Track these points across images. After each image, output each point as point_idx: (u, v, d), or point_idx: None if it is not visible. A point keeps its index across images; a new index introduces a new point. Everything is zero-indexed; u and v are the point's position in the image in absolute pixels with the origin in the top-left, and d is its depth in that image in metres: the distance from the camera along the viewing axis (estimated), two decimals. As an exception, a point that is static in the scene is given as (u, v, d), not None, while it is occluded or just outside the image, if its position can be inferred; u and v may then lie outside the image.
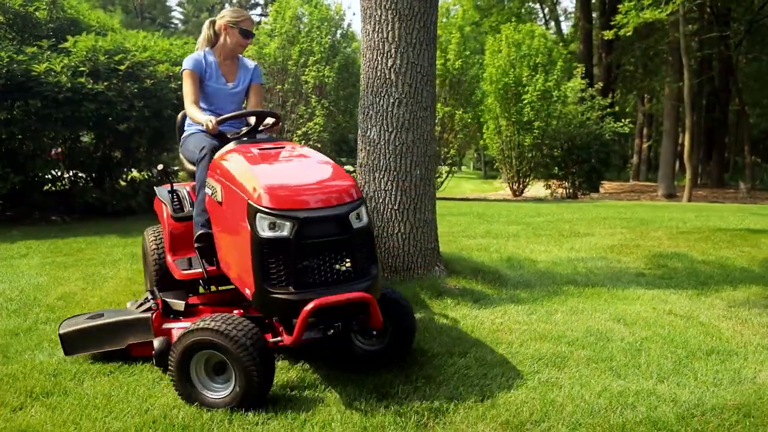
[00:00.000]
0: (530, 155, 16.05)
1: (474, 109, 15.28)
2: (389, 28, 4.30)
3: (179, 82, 9.12)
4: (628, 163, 34.02)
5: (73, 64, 8.16)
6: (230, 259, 2.82)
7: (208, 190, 3.08)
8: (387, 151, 4.40)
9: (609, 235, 7.38)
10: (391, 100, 4.36)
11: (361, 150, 4.56)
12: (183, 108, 3.63)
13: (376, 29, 4.36)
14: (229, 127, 3.50)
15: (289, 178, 2.71)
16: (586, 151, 16.30)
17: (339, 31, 13.97)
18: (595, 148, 16.34)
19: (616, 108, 19.68)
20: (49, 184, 9.52)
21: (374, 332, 2.93)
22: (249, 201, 2.54)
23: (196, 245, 3.10)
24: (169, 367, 2.53)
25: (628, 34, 16.95)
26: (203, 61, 3.61)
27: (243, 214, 2.56)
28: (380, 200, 4.43)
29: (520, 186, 16.87)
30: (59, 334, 3.07)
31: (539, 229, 7.87)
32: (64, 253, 6.23)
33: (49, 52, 8.24)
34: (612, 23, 16.81)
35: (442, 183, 15.91)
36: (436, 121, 14.59)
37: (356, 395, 2.66)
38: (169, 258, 3.49)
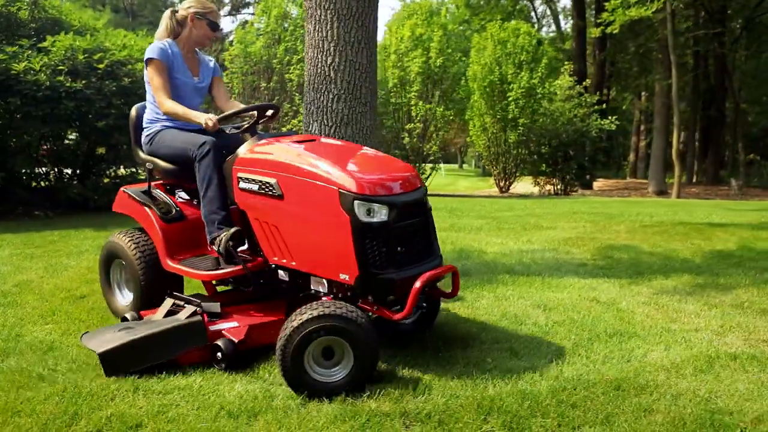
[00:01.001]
0: (516, 152, 16.19)
1: (456, 106, 15.44)
2: (328, 28, 4.49)
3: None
4: (625, 160, 34.10)
5: (52, 63, 8.38)
6: (302, 249, 2.85)
7: (245, 185, 3.00)
8: (327, 145, 4.57)
9: (571, 228, 7.55)
10: (331, 96, 4.54)
11: (305, 144, 4.73)
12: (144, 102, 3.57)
13: (317, 28, 4.54)
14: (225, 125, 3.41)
15: (370, 167, 2.95)
16: (572, 148, 16.44)
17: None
18: (582, 144, 16.48)
19: (605, 105, 19.75)
20: (33, 181, 9.75)
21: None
22: (341, 190, 2.67)
23: (224, 243, 3.02)
24: (282, 359, 2.53)
25: (614, 31, 17.11)
26: (169, 52, 3.43)
27: (331, 203, 2.69)
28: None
29: (507, 183, 17.02)
30: (99, 354, 2.71)
31: (505, 222, 8.04)
32: (36, 245, 6.44)
33: (30, 52, 8.47)
34: (599, 21, 16.91)
35: (426, 179, 16.09)
36: (418, 118, 14.89)
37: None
38: (170, 263, 3.26)
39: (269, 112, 3.30)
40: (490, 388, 2.65)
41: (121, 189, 3.66)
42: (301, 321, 2.53)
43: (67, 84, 8.30)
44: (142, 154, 3.59)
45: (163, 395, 2.57)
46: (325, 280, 2.90)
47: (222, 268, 3.13)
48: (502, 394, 2.56)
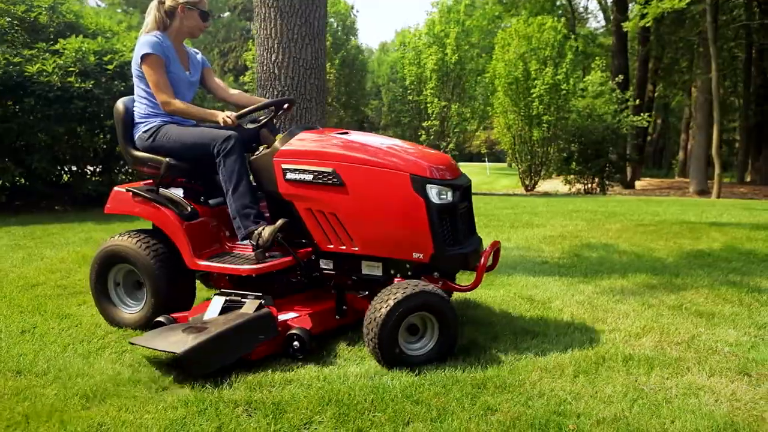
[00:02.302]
0: (541, 150, 15.85)
1: (472, 103, 15.25)
2: (272, 25, 4.56)
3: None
4: (674, 159, 32.78)
5: (65, 64, 8.80)
6: (368, 233, 3.00)
7: (294, 176, 3.03)
8: (273, 140, 4.64)
9: (560, 226, 7.37)
10: (275, 93, 4.61)
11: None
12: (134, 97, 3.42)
13: (262, 26, 4.62)
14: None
15: (422, 155, 3.11)
16: (603, 146, 15.96)
17: (341, 28, 14.24)
18: (613, 142, 15.97)
19: (637, 101, 19.01)
20: (53, 177, 10.25)
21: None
22: (412, 175, 2.89)
23: (270, 235, 3.01)
24: (376, 340, 2.69)
25: (648, 24, 16.46)
26: (164, 45, 3.30)
27: (403, 188, 2.89)
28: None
29: (532, 181, 16.68)
30: (182, 354, 2.60)
31: (497, 221, 7.92)
32: (35, 237, 6.79)
33: (48, 54, 8.92)
34: (629, 14, 16.34)
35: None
36: (433, 115, 14.78)
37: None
38: (198, 261, 3.17)
39: (284, 106, 3.41)
40: (348, 383, 2.64)
41: (116, 189, 3.47)
42: (397, 300, 2.70)
43: (77, 84, 8.70)
44: (135, 152, 3.39)
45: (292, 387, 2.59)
46: (379, 264, 3.06)
47: (269, 261, 3.06)
48: (355, 388, 2.55)
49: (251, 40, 15.48)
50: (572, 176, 17.08)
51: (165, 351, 2.74)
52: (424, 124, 14.70)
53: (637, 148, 19.18)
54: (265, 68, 4.63)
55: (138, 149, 3.40)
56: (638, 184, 22.42)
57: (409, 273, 3.04)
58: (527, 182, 16.79)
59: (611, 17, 23.82)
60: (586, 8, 31.01)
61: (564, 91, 15.23)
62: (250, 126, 3.37)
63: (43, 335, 3.29)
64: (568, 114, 15.75)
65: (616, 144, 16.52)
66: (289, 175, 3.06)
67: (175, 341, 2.72)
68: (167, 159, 3.24)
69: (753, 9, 22.59)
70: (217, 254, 3.27)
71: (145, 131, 3.36)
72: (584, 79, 16.99)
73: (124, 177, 10.84)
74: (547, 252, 5.72)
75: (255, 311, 2.90)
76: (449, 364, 2.83)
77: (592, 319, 3.61)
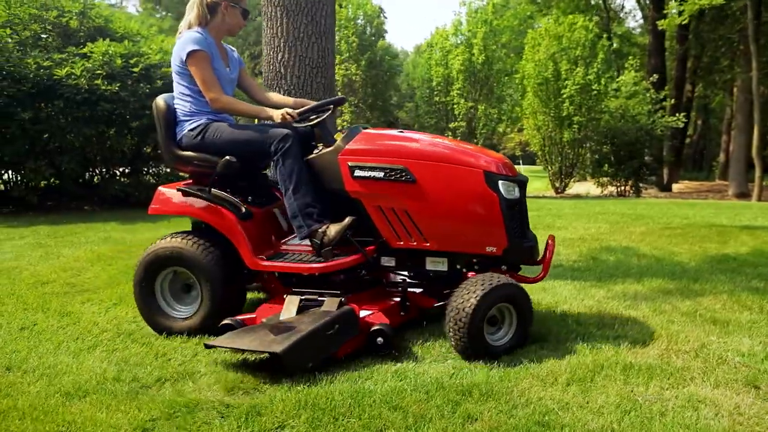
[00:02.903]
0: (571, 152, 15.51)
1: (500, 104, 15.01)
2: (278, 24, 4.53)
3: (192, 82, 9.85)
4: (715, 161, 31.72)
5: (92, 67, 8.99)
6: (440, 229, 3.06)
7: (363, 173, 3.04)
8: (279, 140, 4.61)
9: (582, 229, 7.17)
10: (282, 92, 4.58)
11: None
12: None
13: (269, 25, 4.60)
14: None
15: (488, 153, 3.24)
16: (635, 147, 15.53)
17: (370, 29, 14.22)
18: (646, 143, 15.53)
19: (673, 101, 18.44)
20: (82, 178, 10.50)
21: None
22: (486, 171, 3.01)
23: (337, 234, 3.03)
24: (464, 331, 2.77)
25: (685, 22, 15.97)
26: (207, 41, 3.26)
27: (477, 184, 2.99)
28: (274, 187, 4.66)
29: (563, 183, 16.34)
30: (282, 353, 2.55)
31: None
32: (58, 236, 6.93)
33: (77, 58, 9.13)
34: (664, 11, 15.88)
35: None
36: (459, 116, 14.60)
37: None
38: (261, 262, 3.15)
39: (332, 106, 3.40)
40: (329, 386, 2.58)
41: (162, 188, 3.34)
42: (485, 291, 2.78)
43: (104, 87, 8.88)
44: (179, 150, 3.29)
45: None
46: (444, 259, 3.13)
47: (338, 258, 3.07)
48: (335, 392, 2.48)
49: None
50: (605, 178, 16.67)
51: (260, 351, 2.68)
52: (451, 125, 14.57)
53: (673, 149, 18.62)
54: (271, 67, 4.61)
55: (182, 148, 3.30)
56: (675, 186, 21.74)
57: (476, 267, 3.14)
58: (557, 184, 16.45)
59: (648, 15, 23.22)
60: (622, 7, 30.20)
61: (595, 92, 14.87)
62: (300, 125, 3.29)
63: (41, 333, 3.32)
64: (600, 115, 15.37)
65: (651, 145, 16.05)
66: (358, 173, 3.07)
67: (268, 341, 2.66)
68: (228, 157, 3.12)
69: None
70: (277, 254, 3.27)
71: (191, 129, 3.26)
72: (617, 79, 16.56)
73: (150, 179, 11.05)
74: (563, 255, 5.55)
75: (338, 309, 2.88)
76: (437, 369, 2.74)
77: (598, 324, 3.46)
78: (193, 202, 3.24)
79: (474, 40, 14.26)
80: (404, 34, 78.23)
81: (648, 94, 16.08)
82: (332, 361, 2.82)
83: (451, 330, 2.84)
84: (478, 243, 3.06)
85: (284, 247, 3.38)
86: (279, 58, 4.55)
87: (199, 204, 3.22)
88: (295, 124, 3.25)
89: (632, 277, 4.62)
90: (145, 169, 10.90)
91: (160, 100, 3.36)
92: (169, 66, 9.44)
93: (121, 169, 10.90)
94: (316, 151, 3.23)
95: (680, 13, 16.06)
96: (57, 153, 9.55)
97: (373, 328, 2.88)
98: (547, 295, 4.13)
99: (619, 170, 16.17)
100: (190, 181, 3.42)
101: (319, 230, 3.08)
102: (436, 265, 3.15)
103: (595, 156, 15.98)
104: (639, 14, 31.24)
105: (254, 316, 3.07)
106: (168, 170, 11.18)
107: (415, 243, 3.09)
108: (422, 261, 3.17)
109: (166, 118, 3.32)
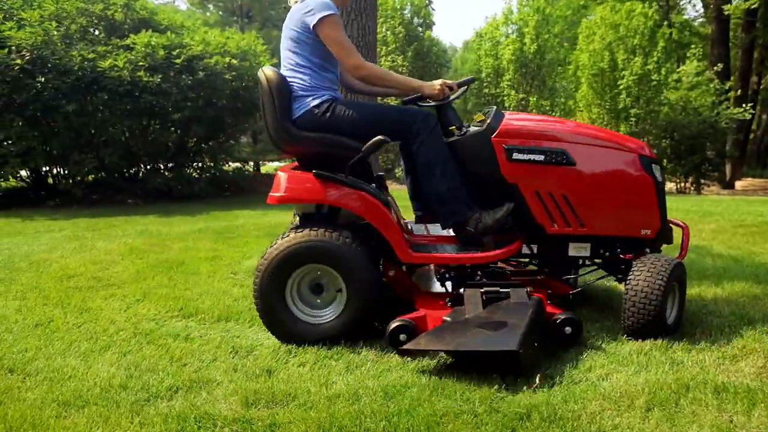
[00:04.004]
0: (628, 146, 14.67)
1: (552, 96, 14.31)
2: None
3: (233, 73, 9.70)
4: (782, 157, 29.85)
5: (135, 59, 8.91)
6: (598, 213, 2.99)
7: (522, 156, 2.88)
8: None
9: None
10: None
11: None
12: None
13: None
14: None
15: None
16: (696, 141, 14.57)
17: (417, 19, 13.81)
18: (709, 137, 14.54)
19: (738, 92, 17.28)
20: (126, 171, 10.49)
21: None
22: (640, 155, 3.02)
23: (498, 221, 2.85)
24: (654, 312, 2.77)
25: (753, 6, 14.88)
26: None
27: (633, 166, 2.99)
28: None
29: (618, 179, 15.49)
30: (518, 351, 2.31)
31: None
32: (96, 229, 6.82)
33: (120, 50, 9.08)
34: (732, -3, 14.84)
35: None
36: (510, 108, 13.95)
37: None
38: (414, 253, 2.91)
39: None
40: (359, 403, 2.21)
41: (286, 173, 2.86)
42: (668, 273, 2.79)
43: (146, 79, 8.79)
44: (297, 130, 2.87)
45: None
46: (588, 244, 3.06)
47: (504, 247, 2.92)
48: (366, 412, 2.11)
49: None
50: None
51: (482, 351, 2.42)
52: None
53: (737, 144, 17.43)
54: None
55: (300, 126, 2.88)
56: (739, 184, 20.43)
57: (619, 250, 3.09)
58: (612, 181, 15.61)
59: (711, 3, 21.95)
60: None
61: (655, 82, 14.01)
62: (436, 103, 3.05)
63: (55, 331, 3.07)
64: (659, 107, 14.48)
65: (715, 139, 15.02)
66: (516, 156, 2.90)
67: (484, 339, 2.43)
68: (381, 136, 2.78)
69: None
70: (421, 244, 3.03)
71: (317, 105, 2.87)
72: (678, 70, 15.59)
73: (193, 172, 10.96)
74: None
75: (529, 300, 2.72)
76: (485, 386, 2.34)
77: (676, 334, 2.97)
78: (331, 188, 2.81)
79: (525, 29, 13.63)
80: (453, 30, 77.11)
81: (712, 85, 15.06)
82: (356, 373, 2.47)
83: (629, 311, 2.80)
84: (634, 226, 3.03)
85: (415, 235, 3.20)
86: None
87: (341, 191, 2.81)
88: (432, 103, 3.05)
89: (708, 279, 4.08)
90: (188, 163, 10.80)
91: (270, 72, 2.90)
92: (211, 57, 9.45)
93: (164, 164, 10.87)
94: (460, 132, 2.97)
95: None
96: (101, 146, 9.55)
97: (560, 318, 2.74)
98: (612, 297, 3.66)
99: (679, 165, 15.20)
100: (295, 164, 3.11)
101: (473, 217, 2.87)
102: (579, 250, 3.06)
103: (654, 150, 15.10)
104: (699, 4, 29.66)
105: (422, 314, 2.73)
106: (212, 163, 11.09)
107: (571, 228, 2.98)
108: (566, 247, 3.06)
109: (280, 92, 2.87)
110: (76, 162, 9.27)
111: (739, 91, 16.80)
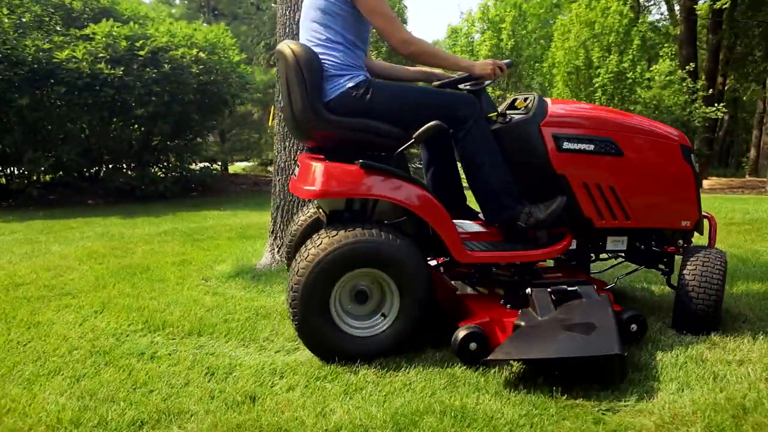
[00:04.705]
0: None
1: (530, 91, 14.16)
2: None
3: (201, 67, 9.20)
4: (745, 157, 30.51)
5: (95, 50, 8.35)
6: (644, 205, 2.87)
7: (572, 146, 2.71)
8: (296, 116, 3.88)
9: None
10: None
11: (275, 116, 4.09)
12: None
13: (286, 13, 3.86)
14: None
15: None
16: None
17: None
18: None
19: (710, 92, 17.45)
20: (85, 170, 9.89)
21: None
22: (681, 144, 2.91)
23: (550, 215, 2.63)
24: (714, 305, 2.72)
25: (725, 6, 15.01)
26: None
27: (675, 156, 2.88)
28: (290, 172, 3.93)
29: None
30: (623, 354, 2.16)
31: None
32: (52, 231, 6.28)
33: (79, 41, 8.50)
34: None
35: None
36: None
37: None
38: (472, 253, 2.62)
39: None
40: (377, 419, 1.83)
41: (323, 163, 2.44)
42: (724, 265, 2.78)
43: (107, 71, 8.24)
44: (330, 114, 2.50)
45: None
46: (624, 237, 2.94)
47: (559, 242, 2.72)
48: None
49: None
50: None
51: (580, 357, 2.18)
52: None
53: (706, 142, 17.59)
54: (287, 30, 3.88)
55: (333, 110, 2.51)
56: (706, 183, 20.71)
57: (653, 243, 3.00)
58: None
59: (680, 4, 22.20)
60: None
61: (630, 80, 13.97)
62: (472, 89, 2.81)
63: (-6, 350, 2.61)
64: (633, 105, 14.46)
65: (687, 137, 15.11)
66: (567, 145, 2.71)
67: (577, 344, 2.21)
68: (436, 121, 2.46)
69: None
70: (471, 241, 2.74)
71: (353, 87, 2.52)
72: (651, 69, 15.62)
73: (158, 171, 10.40)
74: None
75: (600, 297, 2.56)
76: (511, 406, 1.98)
77: (709, 343, 2.67)
78: (381, 181, 2.45)
79: (502, 24, 13.42)
80: (428, 29, 76.88)
81: (684, 84, 15.12)
82: (357, 398, 2.09)
83: (686, 306, 2.74)
84: (676, 218, 2.94)
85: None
86: (297, 17, 3.81)
87: (392, 184, 2.46)
88: (463, 87, 2.82)
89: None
90: (152, 162, 10.24)
91: (297, 46, 2.50)
92: (177, 49, 8.94)
93: (127, 162, 10.30)
94: (503, 119, 2.76)
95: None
96: (59, 143, 8.95)
97: (625, 315, 2.61)
98: (618, 298, 3.35)
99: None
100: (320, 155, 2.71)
101: (524, 212, 2.65)
102: (616, 244, 2.94)
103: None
104: (664, 6, 30.09)
105: (486, 319, 2.45)
106: (178, 162, 10.55)
107: (617, 221, 2.83)
108: (605, 240, 2.92)
109: (311, 70, 2.46)
110: (31, 160, 8.66)
111: (710, 91, 16.93)
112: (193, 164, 11.11)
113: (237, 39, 11.88)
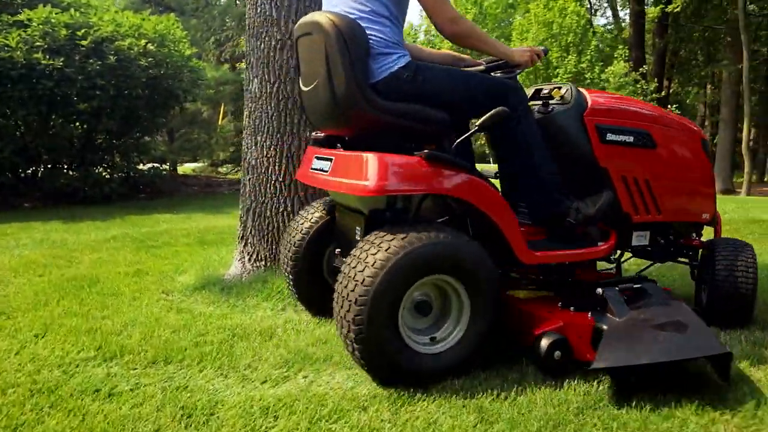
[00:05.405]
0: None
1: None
2: (268, -49, 3.37)
3: (150, 59, 8.57)
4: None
5: (30, 39, 7.63)
6: (672, 198, 2.80)
7: (616, 137, 2.60)
8: (269, 107, 3.46)
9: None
10: (273, 43, 3.42)
11: (245, 108, 3.65)
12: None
13: (256, -47, 3.43)
14: None
15: None
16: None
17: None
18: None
19: (662, 94, 17.86)
20: (21, 170, 9.09)
21: None
22: (702, 138, 2.92)
23: (598, 211, 2.51)
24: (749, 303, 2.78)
25: (677, 9, 15.34)
26: None
27: (698, 149, 2.87)
28: (263, 169, 3.50)
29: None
30: (731, 353, 2.08)
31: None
32: (-18, 238, 5.59)
33: (13, 29, 7.75)
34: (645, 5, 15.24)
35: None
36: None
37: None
38: (536, 252, 2.44)
39: None
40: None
41: (380, 156, 2.14)
42: (755, 259, 2.83)
43: (45, 62, 7.53)
44: (379, 98, 2.21)
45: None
46: (647, 232, 2.84)
47: (607, 240, 2.61)
48: None
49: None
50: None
51: (686, 358, 2.13)
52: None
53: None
54: (259, 11, 3.45)
55: (383, 94, 2.22)
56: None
57: (671, 238, 2.93)
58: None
59: (629, 8, 22.71)
60: (598, 5, 29.60)
61: (588, 81, 14.06)
62: (502, 74, 2.63)
63: None
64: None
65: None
66: (610, 137, 2.60)
67: (701, 343, 2.10)
68: (502, 108, 2.25)
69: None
70: (536, 241, 2.56)
71: (403, 67, 2.24)
72: (606, 70, 15.81)
73: (103, 172, 9.67)
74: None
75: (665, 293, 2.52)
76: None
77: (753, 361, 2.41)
78: (449, 176, 2.20)
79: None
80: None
81: (639, 85, 15.35)
82: None
83: (719, 299, 2.75)
84: (699, 211, 2.92)
85: None
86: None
87: (460, 179, 2.23)
88: (497, 74, 2.61)
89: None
90: (97, 163, 9.48)
91: (337, 17, 2.19)
92: (124, 39, 8.29)
93: (68, 162, 9.52)
94: (547, 108, 2.61)
95: (669, 2, 15.48)
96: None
97: None
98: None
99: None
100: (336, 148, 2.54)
101: (572, 207, 2.51)
102: (640, 239, 2.83)
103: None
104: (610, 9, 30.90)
105: (560, 324, 2.27)
106: (124, 162, 9.84)
107: (650, 215, 2.74)
108: (630, 236, 2.80)
109: (357, 46, 2.17)
110: (-42, 159, 7.84)
111: (663, 93, 17.31)
112: (141, 164, 10.41)
113: (187, 34, 11.25)
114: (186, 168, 17.99)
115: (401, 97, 2.24)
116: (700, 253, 3.01)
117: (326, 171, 2.38)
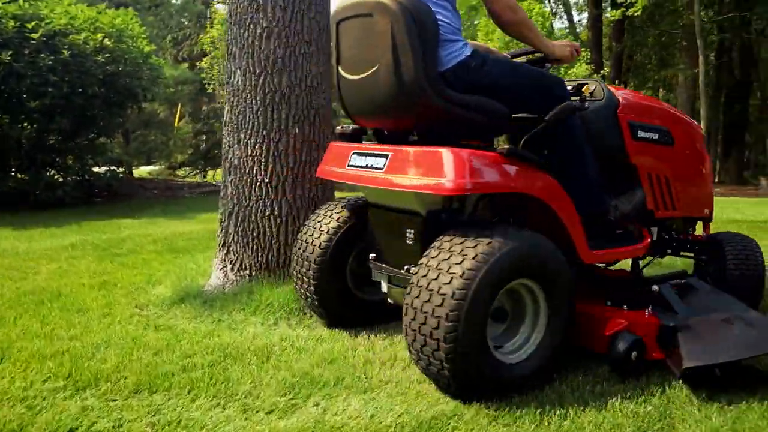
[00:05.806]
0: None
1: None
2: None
3: (107, 55, 8.09)
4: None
5: (-25, 31, 7.07)
6: (685, 194, 2.82)
7: (645, 134, 2.63)
8: (254, 101, 3.16)
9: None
10: (258, 31, 3.12)
11: (226, 102, 3.33)
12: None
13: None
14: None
15: None
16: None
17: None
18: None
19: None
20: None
21: None
22: (702, 134, 3.00)
23: (634, 208, 2.57)
24: None
25: (636, 14, 15.60)
26: None
27: (702, 146, 2.94)
28: (247, 170, 3.19)
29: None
30: None
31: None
32: None
33: (-46, 20, 7.16)
34: (620, 1, 15.47)
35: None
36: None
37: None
38: (595, 251, 2.36)
39: None
40: None
41: (450, 150, 2.00)
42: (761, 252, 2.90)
43: (-10, 56, 6.98)
44: (447, 88, 2.10)
45: None
46: (656, 227, 2.82)
47: (645, 237, 2.60)
48: None
49: (209, 24, 13.65)
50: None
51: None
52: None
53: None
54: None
55: (452, 85, 2.11)
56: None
57: (674, 233, 2.95)
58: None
59: (588, 11, 23.09)
60: (555, 9, 30.05)
61: (553, 83, 14.11)
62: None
63: None
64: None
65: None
66: (641, 134, 2.62)
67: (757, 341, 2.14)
68: (569, 102, 2.24)
69: (723, 3, 22.12)
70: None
71: (471, 55, 2.16)
72: (568, 72, 15.92)
73: (54, 174, 9.08)
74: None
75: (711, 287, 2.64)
76: None
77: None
78: (531, 174, 2.13)
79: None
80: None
81: (601, 88, 15.53)
82: None
83: (739, 292, 2.70)
84: (703, 206, 2.96)
85: None
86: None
87: (541, 178, 2.16)
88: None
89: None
90: (48, 166, 8.89)
91: (407, 4, 2.03)
92: (79, 33, 7.79)
93: (16, 164, 8.91)
94: (577, 104, 2.51)
95: (630, 5, 15.74)
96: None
97: None
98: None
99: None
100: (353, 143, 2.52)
101: (612, 204, 2.52)
102: (651, 234, 2.77)
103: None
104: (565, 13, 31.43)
105: (624, 323, 2.24)
106: (78, 164, 9.25)
107: (668, 211, 2.77)
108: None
109: (426, 30, 2.04)
110: None
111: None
112: (96, 167, 9.84)
113: (144, 32, 10.74)
114: (142, 171, 17.33)
115: (467, 88, 2.14)
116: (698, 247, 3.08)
117: (380, 168, 2.20)
